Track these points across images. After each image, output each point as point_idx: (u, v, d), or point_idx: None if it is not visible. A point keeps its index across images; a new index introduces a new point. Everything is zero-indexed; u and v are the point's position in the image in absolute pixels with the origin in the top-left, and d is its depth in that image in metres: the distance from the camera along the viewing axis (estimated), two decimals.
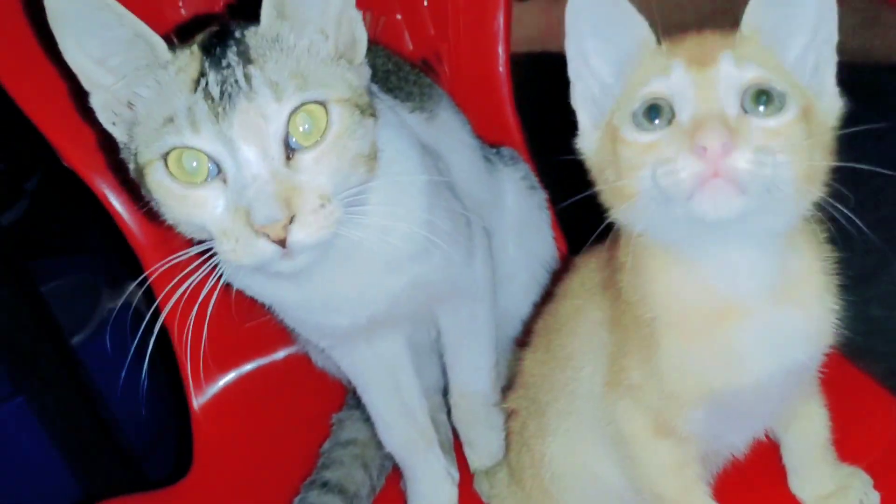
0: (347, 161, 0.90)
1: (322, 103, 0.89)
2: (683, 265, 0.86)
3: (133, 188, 0.98)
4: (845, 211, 0.81)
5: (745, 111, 0.78)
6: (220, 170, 0.87)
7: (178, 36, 0.93)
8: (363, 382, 1.25)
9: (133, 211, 1.32)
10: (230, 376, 1.51)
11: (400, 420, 1.26)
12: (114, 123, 0.94)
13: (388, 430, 1.26)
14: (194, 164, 0.87)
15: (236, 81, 0.86)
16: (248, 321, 1.25)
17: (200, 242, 0.93)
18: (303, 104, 0.87)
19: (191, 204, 0.88)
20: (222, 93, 0.85)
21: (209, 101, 0.85)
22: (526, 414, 1.13)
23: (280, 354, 1.52)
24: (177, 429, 1.83)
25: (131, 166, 0.94)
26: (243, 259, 0.87)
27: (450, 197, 1.12)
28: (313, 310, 1.08)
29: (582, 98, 0.88)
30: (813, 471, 1.05)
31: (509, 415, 1.18)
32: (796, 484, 1.07)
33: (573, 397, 1.04)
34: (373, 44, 1.34)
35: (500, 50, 1.46)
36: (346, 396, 1.44)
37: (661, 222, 0.82)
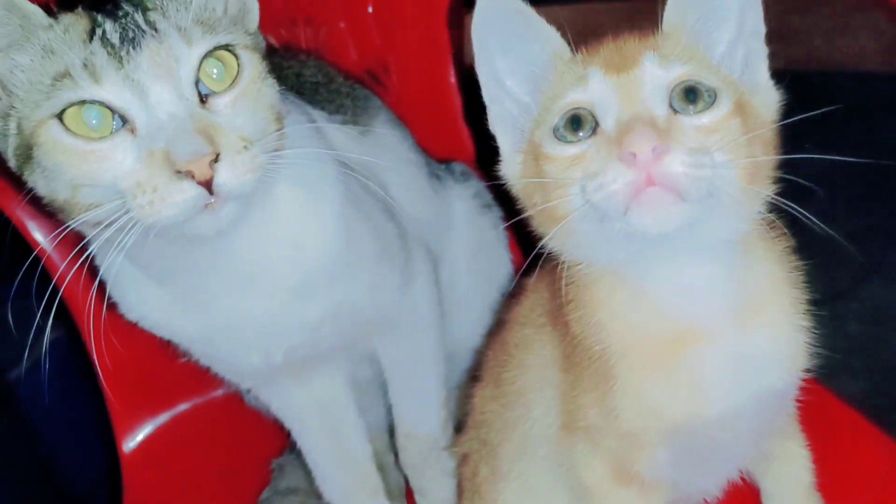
0: (262, 107, 0.84)
1: (231, 49, 0.83)
2: (630, 289, 0.78)
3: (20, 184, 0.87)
4: (811, 217, 0.74)
5: (676, 111, 0.72)
6: (124, 122, 0.78)
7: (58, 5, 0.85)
8: (297, 427, 1.15)
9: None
10: (163, 417, 1.40)
11: (340, 468, 1.15)
12: None
13: (326, 480, 1.15)
14: (94, 120, 0.78)
15: (138, 26, 0.79)
16: (181, 357, 1.14)
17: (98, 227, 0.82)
18: (214, 48, 0.81)
19: (95, 159, 0.78)
20: (123, 39, 0.78)
21: (109, 48, 0.78)
22: (477, 458, 1.03)
23: (219, 392, 1.41)
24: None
25: (11, 149, 0.83)
26: (163, 211, 0.77)
27: (378, 215, 1.03)
28: (218, 345, 0.97)
29: (500, 121, 0.83)
30: None
31: (461, 459, 1.08)
32: None
33: (525, 438, 0.94)
34: (304, 54, 1.25)
35: (451, 59, 1.36)
36: (287, 438, 1.32)
37: (598, 243, 0.75)
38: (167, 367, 1.34)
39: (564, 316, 0.83)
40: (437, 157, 1.32)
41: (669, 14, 0.77)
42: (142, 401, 1.38)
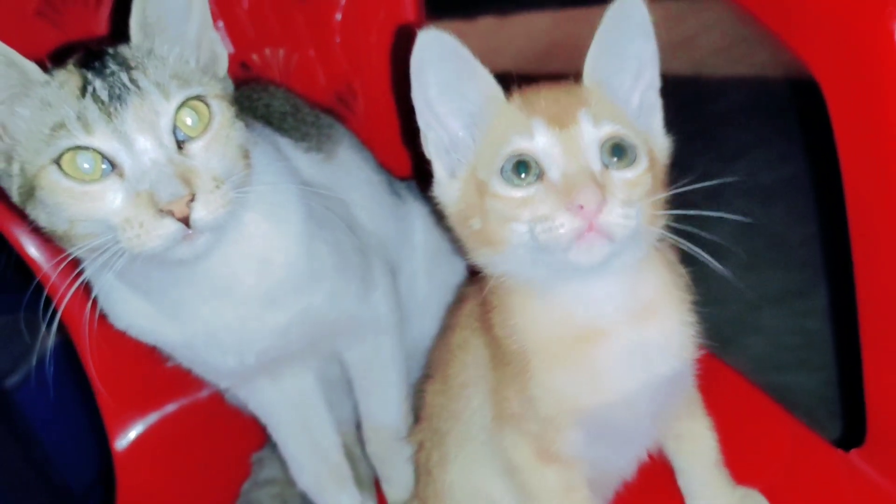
0: (231, 148, 0.96)
1: (202, 98, 0.95)
2: (543, 299, 0.90)
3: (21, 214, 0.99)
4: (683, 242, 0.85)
5: (605, 165, 0.84)
6: (113, 167, 0.91)
7: (50, 62, 0.97)
8: (271, 422, 1.26)
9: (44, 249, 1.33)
10: (153, 417, 1.50)
11: (311, 459, 1.26)
12: None
13: (299, 470, 1.27)
14: (86, 165, 0.90)
15: (124, 84, 0.91)
16: (166, 361, 1.26)
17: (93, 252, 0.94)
18: (187, 99, 0.93)
19: (89, 199, 0.91)
20: (111, 95, 0.91)
21: (99, 104, 0.90)
22: (430, 445, 1.14)
23: (204, 393, 1.51)
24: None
25: (15, 187, 0.95)
26: (148, 243, 0.90)
27: (338, 232, 1.13)
28: (197, 349, 1.09)
29: (435, 148, 0.92)
30: (707, 494, 1.05)
31: (417, 447, 1.19)
32: None
33: (468, 425, 1.05)
34: (273, 85, 1.36)
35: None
36: (265, 434, 1.43)
37: (528, 266, 0.86)
38: (156, 370, 1.44)
39: (490, 320, 0.95)
40: (399, 175, 1.43)
41: (588, 70, 0.88)
42: (133, 402, 1.48)
